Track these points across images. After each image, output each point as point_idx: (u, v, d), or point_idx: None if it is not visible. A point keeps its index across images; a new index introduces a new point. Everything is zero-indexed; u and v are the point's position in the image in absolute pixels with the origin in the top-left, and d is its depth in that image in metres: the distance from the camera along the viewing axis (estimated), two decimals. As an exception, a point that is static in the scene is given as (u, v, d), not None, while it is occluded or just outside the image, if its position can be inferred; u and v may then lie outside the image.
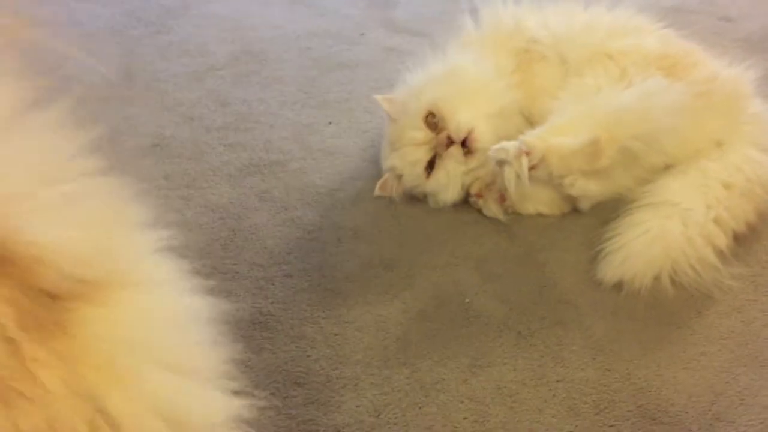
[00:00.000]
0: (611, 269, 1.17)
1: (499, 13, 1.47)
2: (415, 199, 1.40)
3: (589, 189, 1.25)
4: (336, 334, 1.12)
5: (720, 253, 1.17)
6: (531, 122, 1.36)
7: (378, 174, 1.44)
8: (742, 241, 1.21)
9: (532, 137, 1.20)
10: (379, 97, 1.41)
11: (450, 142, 1.31)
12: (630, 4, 1.47)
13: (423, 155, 1.35)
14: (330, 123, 1.65)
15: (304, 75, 1.85)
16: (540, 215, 1.34)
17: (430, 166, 1.35)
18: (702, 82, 1.30)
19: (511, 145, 1.20)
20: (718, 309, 1.12)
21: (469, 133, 1.30)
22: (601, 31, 1.39)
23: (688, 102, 1.24)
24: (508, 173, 1.20)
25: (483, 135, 1.30)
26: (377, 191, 1.40)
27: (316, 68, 1.88)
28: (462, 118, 1.31)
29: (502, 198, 1.30)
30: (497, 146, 1.21)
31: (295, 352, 1.09)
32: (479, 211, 1.36)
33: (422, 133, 1.34)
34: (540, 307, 1.15)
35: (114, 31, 2.08)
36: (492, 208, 1.32)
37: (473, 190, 1.36)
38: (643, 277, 1.15)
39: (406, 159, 1.36)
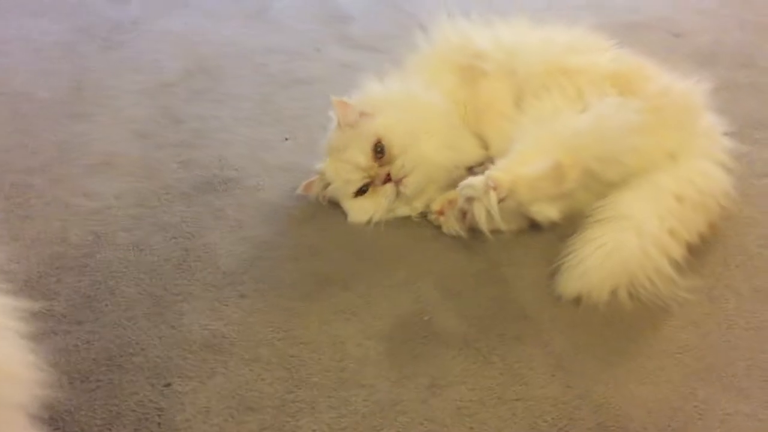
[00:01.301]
0: (570, 284, 1.17)
1: (446, 30, 1.47)
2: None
3: (552, 212, 1.26)
4: (292, 356, 1.09)
5: (676, 265, 1.17)
6: (482, 140, 1.37)
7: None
8: (696, 252, 1.22)
9: (498, 171, 1.21)
10: (335, 99, 1.38)
11: (388, 179, 1.33)
12: (584, 21, 1.49)
13: (359, 179, 1.35)
14: (286, 139, 1.63)
15: (259, 91, 1.83)
16: (499, 231, 1.33)
17: (361, 190, 1.36)
18: (655, 97, 1.31)
19: (478, 181, 1.20)
20: (674, 322, 1.12)
21: (403, 180, 1.32)
22: (558, 47, 1.39)
23: (643, 119, 1.25)
24: (478, 209, 1.21)
25: (414, 184, 1.33)
26: (300, 190, 1.40)
27: (272, 84, 1.86)
28: (406, 162, 1.32)
29: (464, 215, 1.29)
30: (465, 183, 1.22)
31: (249, 375, 1.05)
32: (438, 227, 1.34)
33: (366, 160, 1.34)
34: (500, 323, 1.14)
35: (65, 47, 2.03)
36: (453, 226, 1.31)
37: (435, 207, 1.34)
38: (600, 291, 1.15)
39: (341, 175, 1.36)
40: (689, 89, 1.37)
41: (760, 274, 1.20)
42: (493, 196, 1.18)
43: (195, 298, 1.19)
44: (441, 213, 1.33)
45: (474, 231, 1.31)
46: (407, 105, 1.39)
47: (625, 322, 1.13)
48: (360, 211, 1.36)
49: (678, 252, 1.18)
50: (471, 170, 1.36)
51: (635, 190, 1.25)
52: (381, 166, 1.33)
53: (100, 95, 1.80)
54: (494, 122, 1.34)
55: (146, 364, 1.07)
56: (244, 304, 1.18)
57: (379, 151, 1.33)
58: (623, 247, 1.17)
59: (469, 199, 1.22)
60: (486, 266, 1.26)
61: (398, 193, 1.34)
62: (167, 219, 1.37)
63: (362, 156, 1.34)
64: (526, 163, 1.21)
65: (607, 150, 1.25)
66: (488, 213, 1.20)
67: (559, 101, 1.31)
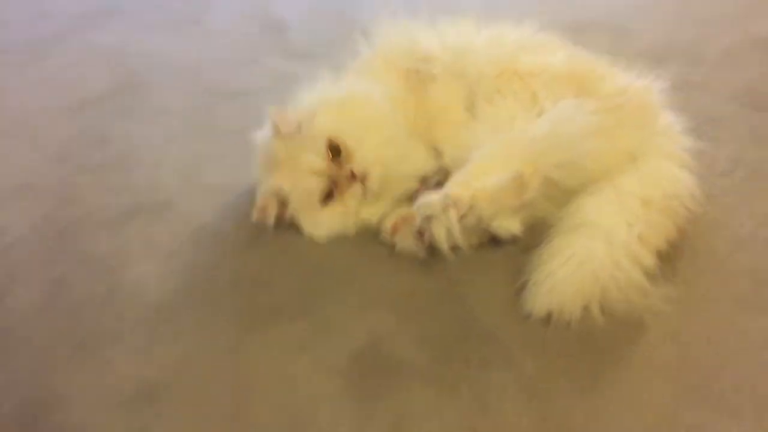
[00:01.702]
0: (538, 301, 1.08)
1: (391, 33, 1.37)
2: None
3: (514, 226, 1.17)
4: (237, 398, 0.97)
5: (648, 274, 1.10)
6: (434, 148, 1.27)
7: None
8: (666, 259, 1.14)
9: (456, 186, 1.12)
10: (273, 109, 1.26)
11: (353, 177, 1.22)
12: (531, 22, 1.41)
13: (321, 184, 1.23)
14: (223, 156, 1.51)
15: (193, 105, 1.70)
16: (459, 248, 1.24)
17: (327, 197, 1.24)
18: (612, 97, 1.24)
19: (435, 199, 1.11)
20: (651, 337, 1.04)
21: (367, 174, 1.22)
22: (508, 47, 1.32)
23: (601, 120, 1.18)
24: (437, 228, 1.12)
25: (378, 177, 1.23)
26: (256, 216, 1.25)
27: (207, 97, 1.73)
28: (366, 154, 1.23)
29: (421, 234, 1.19)
30: (421, 201, 1.13)
31: (189, 425, 0.93)
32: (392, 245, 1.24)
33: (323, 162, 1.22)
34: (464, 348, 1.04)
35: (-25, 65, 1.87)
36: (409, 244, 1.21)
37: (388, 224, 1.24)
38: (572, 307, 1.06)
39: (299, 185, 1.23)
40: (645, 88, 1.31)
41: (734, 279, 1.13)
42: (453, 214, 1.10)
43: (124, 340, 1.06)
44: (395, 231, 1.23)
45: (431, 249, 1.21)
46: (347, 101, 1.29)
47: (599, 340, 1.04)
48: (329, 221, 1.25)
49: (649, 260, 1.11)
50: (424, 182, 1.27)
51: (600, 196, 1.18)
52: (340, 166, 1.23)
53: (17, 114, 1.65)
54: (447, 130, 1.25)
55: (67, 422, 0.93)
56: (180, 342, 1.06)
57: (334, 149, 1.23)
58: (593, 257, 1.08)
59: (428, 218, 1.13)
60: (446, 285, 1.16)
61: (365, 191, 1.23)
62: (91, 250, 1.24)
63: (318, 158, 1.23)
64: (485, 176, 1.13)
65: (566, 155, 1.17)
66: (448, 231, 1.12)
67: (514, 106, 1.23)
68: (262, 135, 1.30)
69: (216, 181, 1.43)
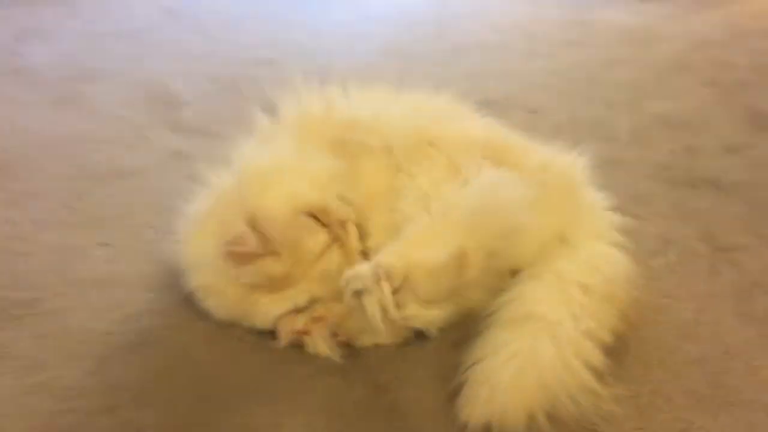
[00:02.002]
0: (477, 409, 0.92)
1: (303, 101, 1.23)
2: (222, 331, 1.07)
3: (439, 316, 1.03)
4: None
5: (597, 373, 0.97)
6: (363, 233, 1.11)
7: (173, 305, 1.11)
8: (613, 354, 1.03)
9: (388, 256, 0.98)
10: (228, 244, 1.01)
11: (343, 225, 1.08)
12: (443, 94, 1.32)
13: (337, 256, 1.06)
14: (104, 245, 1.30)
15: (68, 187, 1.48)
16: (378, 345, 1.08)
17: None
18: (536, 171, 1.15)
19: (365, 270, 0.96)
20: (606, 445, 0.91)
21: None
22: (424, 115, 1.21)
23: (531, 193, 1.08)
24: (370, 304, 0.95)
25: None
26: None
27: (85, 179, 1.52)
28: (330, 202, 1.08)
29: (335, 333, 1.03)
30: (349, 274, 0.97)
31: None
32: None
33: (323, 233, 1.05)
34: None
35: None
36: (321, 346, 1.04)
37: (297, 326, 1.06)
38: (515, 416, 0.91)
39: (329, 272, 1.04)
40: (568, 164, 1.23)
41: (684, 371, 1.03)
42: (386, 287, 0.95)
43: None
44: (305, 332, 1.05)
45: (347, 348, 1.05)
46: (274, 168, 1.12)
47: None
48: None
49: (598, 357, 0.99)
50: None
51: (537, 282, 1.06)
52: (328, 223, 1.06)
53: None
54: (380, 211, 1.11)
55: None
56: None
57: (313, 216, 1.05)
58: (539, 358, 0.95)
59: (358, 293, 0.96)
60: (370, 391, 0.99)
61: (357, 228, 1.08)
62: (-75, 367, 0.99)
63: (318, 234, 1.04)
64: (421, 248, 0.99)
65: (505, 224, 1.05)
66: (383, 309, 0.95)
67: (434, 174, 1.11)
68: (202, 278, 1.08)
69: (93, 273, 1.21)
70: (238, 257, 1.00)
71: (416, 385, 1.00)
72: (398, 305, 0.97)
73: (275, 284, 1.03)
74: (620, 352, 1.04)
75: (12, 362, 1.02)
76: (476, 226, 1.01)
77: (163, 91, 2.00)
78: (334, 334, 1.03)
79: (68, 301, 1.15)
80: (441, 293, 1.01)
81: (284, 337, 1.04)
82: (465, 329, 1.05)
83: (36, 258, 1.25)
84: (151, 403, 0.96)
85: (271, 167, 1.11)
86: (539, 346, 0.96)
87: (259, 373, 1.02)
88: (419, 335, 1.08)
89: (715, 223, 1.38)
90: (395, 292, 0.95)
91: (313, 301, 1.04)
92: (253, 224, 1.02)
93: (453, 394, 0.96)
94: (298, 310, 1.03)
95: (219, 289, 1.06)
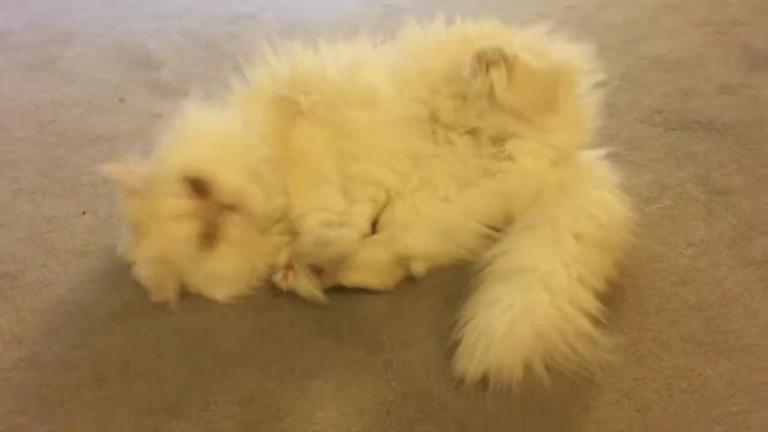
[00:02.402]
0: (473, 362, 0.90)
1: (272, 62, 1.17)
2: (207, 302, 1.05)
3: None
4: None
5: (594, 321, 0.95)
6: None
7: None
8: (609, 302, 1.00)
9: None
10: (108, 168, 1.05)
11: (227, 208, 1.01)
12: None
13: (190, 229, 1.01)
14: (84, 213, 1.26)
15: (46, 155, 1.44)
16: (367, 292, 1.05)
17: (206, 242, 1.02)
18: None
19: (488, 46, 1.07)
20: (606, 397, 0.89)
21: (242, 199, 1.01)
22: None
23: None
24: (498, 75, 1.07)
25: (256, 196, 1.02)
26: (156, 296, 1.03)
27: (63, 145, 1.47)
28: (233, 182, 1.01)
29: (319, 270, 1.00)
30: (484, 44, 1.09)
31: None
32: (292, 293, 1.05)
33: (184, 201, 1.00)
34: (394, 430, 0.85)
35: None
36: (305, 285, 1.02)
37: (281, 262, 1.05)
38: (512, 368, 0.90)
39: (170, 239, 1.01)
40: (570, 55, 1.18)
41: (682, 318, 1.01)
42: (503, 68, 1.06)
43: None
44: (290, 268, 1.04)
45: (337, 302, 1.03)
46: (196, 133, 1.09)
47: (548, 407, 0.88)
48: (223, 267, 1.03)
49: (593, 304, 0.97)
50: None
51: (530, 233, 1.04)
52: (210, 202, 1.01)
53: None
54: (299, 180, 1.08)
55: None
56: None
57: (195, 186, 1.00)
58: (535, 308, 0.93)
59: (489, 64, 1.07)
60: (363, 352, 0.97)
61: (249, 217, 1.02)
62: None
63: (177, 200, 1.01)
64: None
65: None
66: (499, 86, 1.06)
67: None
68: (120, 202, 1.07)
69: (74, 243, 1.18)
70: (126, 188, 1.04)
71: (410, 344, 0.98)
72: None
73: (135, 227, 1.03)
74: (617, 300, 1.02)
75: (-7, 337, 0.99)
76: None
77: (140, 52, 1.93)
78: (318, 271, 1.00)
79: (49, 273, 1.12)
80: (525, 100, 1.09)
81: (151, 290, 1.03)
82: (457, 286, 1.03)
83: (14, 229, 1.22)
84: (140, 373, 0.94)
85: (200, 130, 1.09)
86: (532, 296, 0.94)
87: (247, 339, 1.00)
88: (412, 291, 1.07)
89: (711, 166, 1.35)
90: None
91: (155, 261, 1.02)
92: (150, 169, 1.05)
93: (449, 351, 0.94)
94: (151, 264, 1.02)
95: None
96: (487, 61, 1.06)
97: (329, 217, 1.03)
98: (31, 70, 1.83)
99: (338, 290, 1.05)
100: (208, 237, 1.01)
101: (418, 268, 1.07)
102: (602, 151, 1.19)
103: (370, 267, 1.06)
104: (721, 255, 1.13)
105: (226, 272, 1.04)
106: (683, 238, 1.16)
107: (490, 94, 1.08)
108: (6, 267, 1.12)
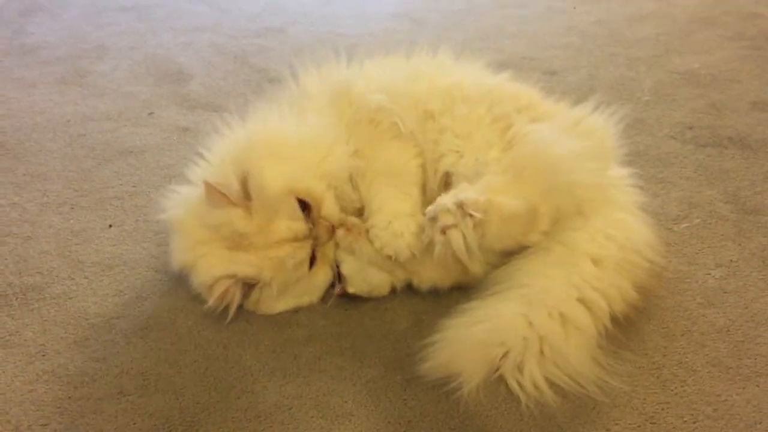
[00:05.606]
0: (436, 364, 0.94)
1: (323, 73, 1.20)
2: (224, 317, 1.04)
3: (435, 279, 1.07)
4: None
5: (608, 343, 0.95)
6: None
7: (179, 285, 1.09)
8: (631, 324, 0.99)
9: (468, 192, 0.96)
10: (211, 182, 1.00)
11: (332, 230, 1.07)
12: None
13: (307, 249, 1.04)
14: (110, 226, 1.28)
15: (75, 168, 1.46)
16: (387, 309, 1.06)
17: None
18: (573, 125, 1.11)
19: (449, 203, 0.95)
20: (628, 422, 0.87)
21: (346, 221, 1.08)
22: (431, 78, 1.18)
23: (584, 146, 1.05)
24: (456, 238, 0.94)
25: (357, 222, 1.08)
26: (214, 301, 1.00)
27: (91, 158, 1.50)
28: (329, 201, 1.06)
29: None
30: (433, 208, 0.97)
31: None
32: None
33: (303, 224, 1.03)
34: None
35: None
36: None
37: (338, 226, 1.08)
38: (471, 372, 0.92)
39: (280, 259, 1.01)
40: (601, 124, 1.16)
41: (709, 341, 0.98)
42: (469, 222, 0.94)
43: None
44: (349, 230, 1.08)
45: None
46: (284, 144, 1.09)
47: (567, 429, 0.86)
48: (321, 283, 1.08)
49: (594, 327, 0.95)
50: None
51: (545, 255, 1.02)
52: (314, 221, 1.05)
53: None
54: (383, 189, 1.08)
55: None
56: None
57: (304, 205, 1.03)
58: (502, 317, 0.95)
59: (444, 228, 0.95)
60: (381, 371, 0.96)
61: (353, 235, 1.07)
62: (-69, 357, 0.98)
63: (296, 223, 1.02)
64: (500, 195, 0.97)
65: (572, 182, 1.03)
66: (466, 244, 0.95)
67: (484, 134, 1.09)
68: (177, 212, 1.07)
69: (99, 256, 1.19)
70: (215, 196, 0.99)
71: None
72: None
73: (232, 239, 1.00)
74: (641, 322, 1.00)
75: (18, 350, 1.01)
76: (548, 184, 1.00)
77: (170, 66, 1.95)
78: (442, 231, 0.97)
79: (74, 285, 1.13)
80: (505, 242, 0.99)
81: (214, 300, 1.00)
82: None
83: (41, 242, 1.24)
84: (159, 388, 0.94)
85: (290, 138, 1.08)
86: (501, 307, 0.96)
87: (267, 356, 1.00)
88: (430, 298, 1.07)
89: (742, 184, 1.32)
90: (474, 226, 0.94)
91: (255, 280, 1.01)
92: (244, 179, 1.02)
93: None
94: (236, 279, 1.00)
95: (185, 227, 1.04)
96: (442, 226, 0.96)
97: (405, 222, 1.04)
98: (63, 83, 1.86)
99: (357, 308, 1.05)
100: (313, 257, 1.05)
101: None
102: (627, 171, 1.17)
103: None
104: (750, 276, 1.10)
105: (320, 287, 1.08)
106: (712, 258, 1.14)
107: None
108: (33, 279, 1.14)
